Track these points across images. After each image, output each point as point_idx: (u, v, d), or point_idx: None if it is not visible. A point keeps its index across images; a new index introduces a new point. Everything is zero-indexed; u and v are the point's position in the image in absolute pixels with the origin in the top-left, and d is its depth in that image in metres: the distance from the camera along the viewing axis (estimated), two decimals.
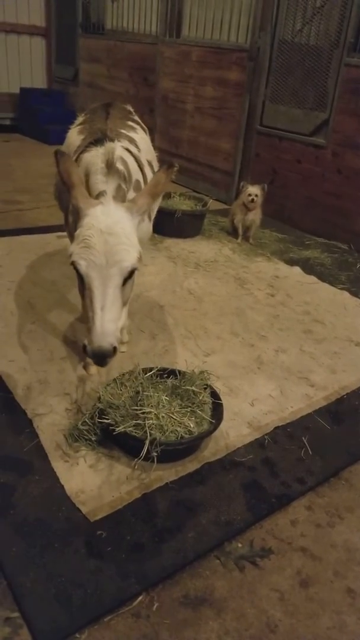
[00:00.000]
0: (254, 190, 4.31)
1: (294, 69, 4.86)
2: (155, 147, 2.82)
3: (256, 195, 4.31)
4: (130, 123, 2.60)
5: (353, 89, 4.42)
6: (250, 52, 5.11)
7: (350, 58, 4.39)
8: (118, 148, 2.07)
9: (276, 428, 2.34)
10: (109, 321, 1.70)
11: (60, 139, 2.61)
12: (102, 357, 1.71)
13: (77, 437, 2.13)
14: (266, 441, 2.26)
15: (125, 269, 1.73)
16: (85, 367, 2.60)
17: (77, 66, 7.83)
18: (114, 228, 1.72)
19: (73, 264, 1.73)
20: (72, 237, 1.91)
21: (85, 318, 1.79)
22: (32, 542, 1.71)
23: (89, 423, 2.16)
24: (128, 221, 1.77)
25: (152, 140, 2.77)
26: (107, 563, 1.67)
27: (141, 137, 2.57)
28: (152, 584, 1.63)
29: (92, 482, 1.95)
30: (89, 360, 2.57)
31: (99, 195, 1.85)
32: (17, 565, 1.63)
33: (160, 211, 3.24)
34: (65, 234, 2.77)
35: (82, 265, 1.71)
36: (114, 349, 1.70)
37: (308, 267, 4.17)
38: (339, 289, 3.84)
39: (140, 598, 1.59)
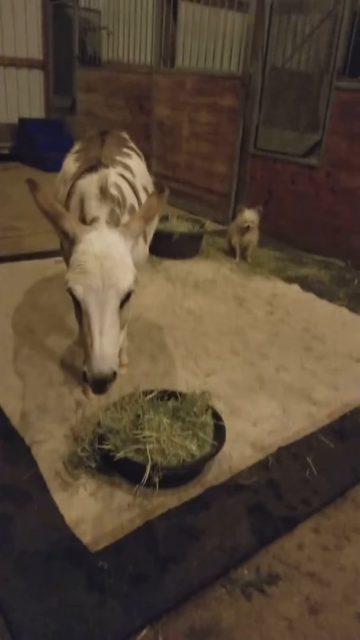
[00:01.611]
0: (249, 216, 4.32)
1: (285, 93, 4.94)
2: (152, 172, 2.85)
3: (252, 222, 4.33)
4: (125, 150, 2.63)
5: (343, 111, 4.49)
6: (243, 79, 5.21)
7: (339, 82, 4.47)
8: (112, 174, 2.09)
9: (280, 448, 2.29)
10: (108, 345, 1.68)
11: (58, 166, 2.64)
12: (102, 383, 1.67)
13: (77, 464, 2.08)
14: (270, 462, 2.21)
15: (122, 291, 1.72)
16: (84, 392, 2.57)
17: (75, 96, 7.99)
18: (108, 251, 1.72)
19: (69, 290, 1.72)
20: (68, 263, 1.91)
21: (83, 344, 1.76)
22: (30, 575, 1.65)
23: (89, 449, 2.12)
24: (122, 244, 1.77)
25: (149, 166, 2.80)
26: (109, 596, 1.61)
27: (136, 163, 2.60)
28: (156, 617, 1.57)
29: (92, 510, 1.91)
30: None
31: (93, 220, 1.85)
32: (15, 600, 1.57)
33: (158, 233, 3.26)
34: (62, 259, 2.77)
35: (79, 291, 1.69)
36: (114, 374, 1.67)
37: (306, 285, 4.17)
38: (337, 305, 3.83)
39: (144, 632, 1.53)
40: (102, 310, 1.69)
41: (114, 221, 1.88)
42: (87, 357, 1.69)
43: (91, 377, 1.66)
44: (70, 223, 1.78)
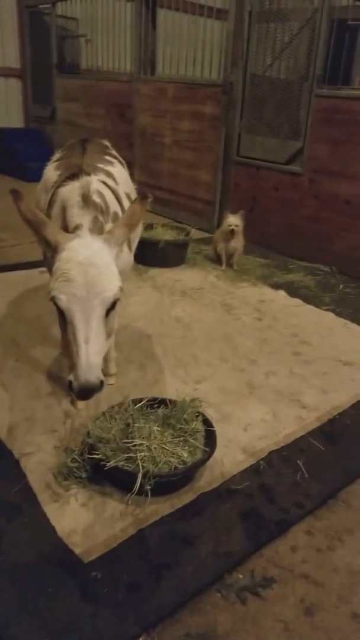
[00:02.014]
0: (234, 220, 4.37)
1: (266, 101, 5.01)
2: (135, 181, 2.86)
3: (236, 225, 4.37)
4: (107, 157, 2.63)
5: (324, 118, 4.55)
6: (224, 86, 5.26)
7: (320, 89, 4.54)
8: (94, 181, 2.09)
9: (271, 452, 2.30)
10: (94, 354, 1.66)
11: (38, 175, 2.63)
12: (89, 392, 1.65)
13: (67, 475, 2.07)
14: (261, 466, 2.22)
15: (107, 299, 1.70)
16: (72, 402, 2.55)
17: (54, 105, 7.98)
18: (93, 259, 1.70)
19: (53, 300, 1.70)
20: (51, 272, 1.90)
21: (68, 353, 1.75)
22: (23, 588, 1.63)
23: (79, 460, 2.11)
24: (106, 252, 1.76)
25: (132, 174, 2.81)
26: (103, 606, 1.60)
27: (118, 170, 2.60)
28: (151, 625, 1.56)
29: (84, 521, 1.89)
30: None
31: (76, 228, 1.84)
32: (8, 613, 1.55)
33: (144, 241, 3.26)
34: (46, 269, 2.76)
35: (63, 300, 1.67)
36: (101, 383, 1.66)
37: (292, 291, 4.20)
38: (323, 310, 3.87)
39: None
40: (88, 319, 1.67)
41: (97, 229, 1.87)
42: (73, 366, 1.68)
43: (77, 386, 1.64)
44: (53, 231, 1.77)
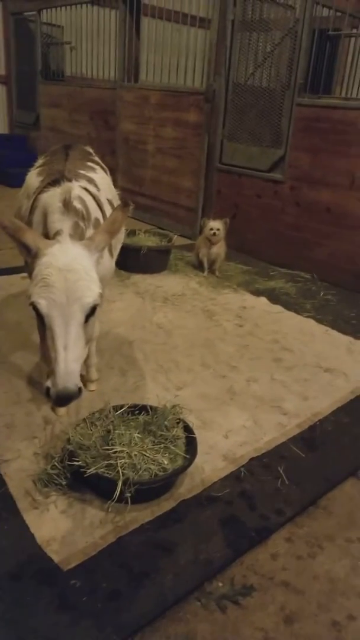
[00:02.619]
0: (215, 224, 4.40)
1: (249, 109, 5.06)
2: (118, 187, 2.86)
3: (218, 229, 4.40)
4: (89, 164, 2.62)
5: (306, 126, 4.61)
6: (207, 94, 5.30)
7: (301, 98, 4.61)
8: (76, 188, 2.08)
9: (252, 459, 2.30)
10: (73, 361, 1.65)
11: (22, 181, 2.61)
12: (67, 399, 1.63)
13: (47, 482, 2.05)
14: (242, 473, 2.22)
15: (87, 305, 1.69)
16: (53, 409, 2.52)
17: (38, 111, 7.96)
18: (73, 265, 1.69)
19: (32, 305, 1.68)
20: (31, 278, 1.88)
21: (46, 359, 1.73)
22: (1, 597, 1.61)
23: (59, 467, 2.09)
24: (86, 258, 1.75)
25: (115, 181, 2.81)
26: (82, 614, 1.58)
27: (101, 176, 2.59)
28: (131, 634, 1.55)
29: (64, 528, 1.87)
30: None
31: (56, 234, 1.83)
32: None
33: (126, 247, 3.26)
34: (27, 275, 2.74)
35: (43, 305, 1.66)
36: (80, 390, 1.65)
37: (274, 297, 4.23)
38: (304, 317, 3.90)
39: None
40: (67, 325, 1.66)
41: (77, 235, 1.86)
42: (51, 372, 1.65)
43: (55, 393, 1.61)
44: (33, 237, 1.76)
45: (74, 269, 1.68)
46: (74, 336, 1.66)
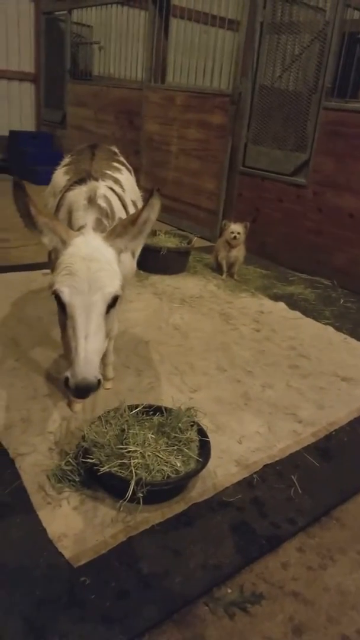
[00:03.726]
0: (236, 228, 4.39)
1: (274, 112, 5.03)
2: (140, 187, 2.86)
3: (238, 233, 4.38)
4: (115, 164, 2.64)
5: (331, 131, 4.58)
6: (232, 96, 5.29)
7: (328, 102, 4.57)
8: (101, 187, 2.09)
9: (265, 466, 2.29)
10: (93, 351, 1.64)
11: (47, 179, 2.65)
12: (85, 390, 1.63)
13: (61, 478, 2.06)
14: (255, 480, 2.20)
15: (108, 295, 1.69)
16: (69, 405, 2.54)
17: (65, 110, 8.04)
18: (95, 255, 1.71)
19: (55, 293, 1.69)
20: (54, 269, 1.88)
21: (67, 349, 1.73)
22: (11, 590, 1.62)
23: (73, 463, 2.10)
24: (109, 249, 1.76)
25: (138, 181, 2.82)
26: (90, 612, 1.58)
27: (126, 177, 2.61)
28: (138, 634, 1.55)
29: (75, 525, 1.88)
30: (73, 397, 2.53)
31: (80, 228, 1.84)
32: None
33: (146, 248, 3.26)
34: (50, 271, 2.76)
35: (65, 293, 1.66)
36: (99, 382, 1.64)
37: (292, 303, 4.20)
38: (323, 324, 3.86)
39: None
40: (88, 314, 1.66)
41: (100, 230, 1.87)
42: (71, 362, 1.66)
43: (74, 383, 1.61)
44: (63, 227, 1.77)
45: (96, 258, 1.70)
46: (94, 326, 1.66)
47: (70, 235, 1.76)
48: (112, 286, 1.70)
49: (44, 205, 2.46)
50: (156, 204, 1.77)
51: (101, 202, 1.98)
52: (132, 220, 1.78)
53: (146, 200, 1.77)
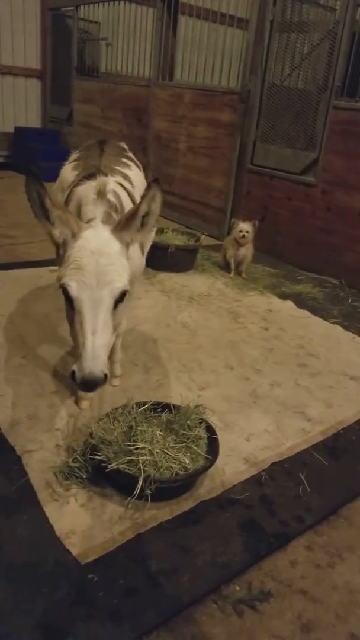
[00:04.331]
0: (245, 226, 4.38)
1: (283, 111, 5.01)
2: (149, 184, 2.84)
3: (247, 232, 4.37)
4: (124, 160, 2.63)
5: (341, 130, 4.55)
6: (241, 94, 5.27)
7: (337, 101, 4.54)
8: (111, 182, 2.09)
9: (273, 464, 2.28)
10: (101, 346, 1.63)
11: (54, 175, 2.63)
12: (92, 384, 1.61)
13: (68, 475, 2.06)
14: (263, 478, 2.20)
15: (117, 290, 1.68)
16: (76, 402, 2.54)
17: (72, 107, 8.03)
18: (104, 248, 1.69)
19: (62, 287, 1.68)
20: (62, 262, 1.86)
21: (74, 343, 1.72)
22: (19, 587, 1.62)
23: (81, 460, 2.10)
24: (117, 242, 1.75)
25: (146, 178, 2.80)
26: (98, 609, 1.58)
27: (135, 173, 2.60)
28: (146, 631, 1.54)
29: (83, 522, 1.88)
30: (81, 394, 2.53)
31: (89, 222, 1.84)
32: (3, 612, 1.54)
33: (154, 246, 3.26)
34: (56, 268, 2.75)
35: (73, 287, 1.65)
36: (105, 376, 1.63)
37: (300, 302, 4.19)
38: (331, 323, 3.85)
39: None
40: (96, 308, 1.65)
41: (109, 224, 1.87)
42: (78, 356, 1.65)
43: (81, 377, 1.60)
44: (74, 219, 1.76)
45: (105, 252, 1.69)
46: (102, 321, 1.65)
47: (81, 228, 1.75)
48: (121, 281, 1.69)
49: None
50: (156, 194, 1.75)
51: (110, 197, 1.98)
52: (133, 213, 1.76)
53: (145, 191, 1.74)
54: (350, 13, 4.33)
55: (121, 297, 1.72)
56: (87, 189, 1.99)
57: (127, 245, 1.80)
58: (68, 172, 2.45)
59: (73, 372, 1.63)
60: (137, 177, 2.57)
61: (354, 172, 4.50)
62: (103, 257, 1.68)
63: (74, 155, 2.68)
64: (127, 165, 2.58)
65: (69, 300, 1.69)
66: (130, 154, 2.88)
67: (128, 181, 2.37)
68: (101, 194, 1.90)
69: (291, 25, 4.84)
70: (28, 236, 5.05)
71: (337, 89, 4.53)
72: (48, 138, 8.30)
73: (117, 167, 2.41)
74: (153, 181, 1.74)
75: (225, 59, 5.71)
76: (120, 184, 2.22)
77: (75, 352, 1.70)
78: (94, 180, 2.01)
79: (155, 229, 3.10)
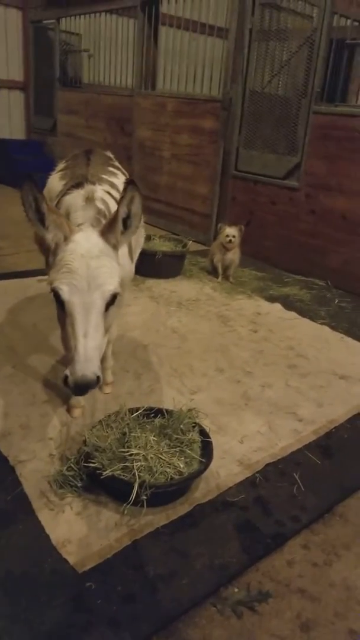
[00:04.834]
0: (231, 231, 4.41)
1: (265, 117, 5.08)
2: None
3: (234, 236, 4.40)
4: (110, 169, 2.65)
5: (322, 134, 4.62)
6: (223, 102, 5.33)
7: (317, 106, 4.61)
8: (98, 190, 2.10)
9: (267, 465, 2.29)
10: (92, 349, 1.64)
11: (40, 186, 2.63)
12: (85, 387, 1.61)
13: (62, 484, 2.05)
14: (257, 479, 2.20)
15: (108, 293, 1.69)
16: (68, 410, 2.53)
17: (56, 117, 8.05)
18: (95, 252, 1.71)
19: (54, 290, 1.68)
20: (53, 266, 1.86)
21: (66, 347, 1.72)
22: (16, 597, 1.61)
23: (75, 468, 2.09)
24: (107, 245, 1.77)
25: None
26: (97, 617, 1.57)
27: (121, 181, 2.60)
28: (146, 637, 1.54)
29: (79, 530, 1.87)
30: (73, 402, 2.53)
31: (79, 227, 1.84)
32: (1, 623, 1.52)
33: (141, 252, 3.26)
34: (46, 277, 2.75)
35: (64, 291, 1.66)
36: (98, 379, 1.63)
37: (288, 304, 4.22)
38: (319, 324, 3.88)
39: None
40: (87, 312, 1.66)
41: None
42: (70, 360, 1.65)
43: (73, 380, 1.60)
44: (67, 223, 1.77)
45: (96, 255, 1.70)
46: (94, 324, 1.66)
47: (72, 232, 1.76)
48: (112, 284, 1.70)
49: None
50: (133, 196, 1.75)
51: (98, 204, 1.99)
52: (113, 216, 1.77)
53: (122, 193, 1.74)
54: (327, 20, 4.41)
55: (112, 300, 1.73)
56: (76, 197, 2.00)
57: (114, 247, 1.81)
58: (55, 181, 2.45)
59: (66, 377, 1.63)
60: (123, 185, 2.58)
61: (336, 175, 4.57)
62: (94, 260, 1.69)
63: (61, 165, 2.69)
64: (114, 174, 2.59)
65: (60, 304, 1.69)
66: (117, 163, 2.90)
67: (115, 189, 2.38)
68: (89, 200, 1.92)
69: (270, 34, 4.92)
70: (14, 247, 5.04)
71: (317, 95, 4.60)
72: (32, 149, 8.31)
73: (104, 176, 2.42)
74: (129, 183, 1.73)
75: (206, 68, 5.78)
76: (108, 192, 2.23)
77: (67, 355, 1.70)
78: (82, 189, 2.02)
79: (144, 235, 3.12)
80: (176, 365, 3.07)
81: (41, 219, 1.72)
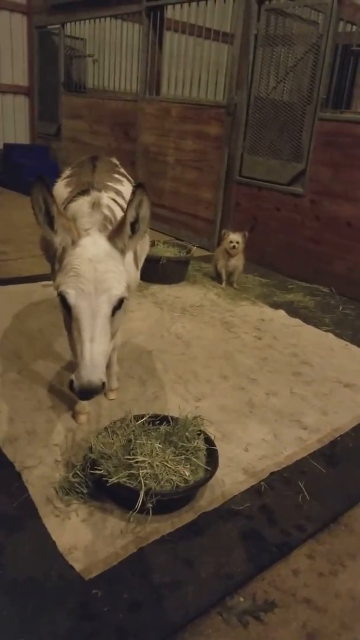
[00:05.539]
0: (235, 237, 4.42)
1: (270, 123, 5.09)
2: None
3: (237, 242, 4.41)
4: (116, 176, 2.66)
5: (327, 141, 4.63)
6: (228, 108, 5.35)
7: (323, 113, 4.63)
8: (104, 197, 2.11)
9: (272, 473, 2.29)
10: (99, 354, 1.64)
11: (49, 187, 2.64)
12: (90, 393, 1.62)
13: (68, 490, 2.05)
14: (262, 487, 2.20)
15: (115, 297, 1.69)
16: (74, 416, 2.54)
17: (60, 122, 8.09)
18: (102, 256, 1.71)
19: (60, 295, 1.68)
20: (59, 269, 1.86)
21: (72, 352, 1.73)
22: (22, 604, 1.61)
23: (81, 475, 2.10)
24: (114, 250, 1.77)
25: None
26: (103, 624, 1.57)
27: (127, 189, 2.62)
28: None
29: (85, 537, 1.87)
30: (78, 408, 2.53)
31: (86, 232, 1.85)
32: (6, 630, 1.53)
33: (146, 258, 3.27)
34: (51, 283, 2.76)
35: (71, 295, 1.66)
36: (103, 384, 1.63)
37: (292, 310, 4.22)
38: (323, 331, 3.88)
39: None
40: (94, 316, 1.65)
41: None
42: (76, 365, 1.65)
43: (79, 386, 1.60)
44: (76, 227, 1.77)
45: (103, 260, 1.70)
46: (100, 328, 1.65)
47: (80, 236, 1.77)
48: (119, 288, 1.70)
49: None
50: (142, 200, 1.75)
51: (105, 210, 2.00)
52: (122, 220, 1.77)
53: (131, 197, 1.74)
54: (333, 26, 4.43)
55: (119, 305, 1.72)
56: (82, 204, 2.01)
57: (122, 252, 1.82)
58: (61, 188, 2.47)
59: (71, 382, 1.63)
60: (129, 192, 2.59)
61: (341, 182, 4.58)
62: (101, 264, 1.69)
63: (67, 172, 2.71)
64: (119, 181, 2.60)
65: (67, 308, 1.69)
66: (122, 170, 2.91)
67: (121, 197, 2.39)
68: (96, 206, 1.93)
69: (275, 39, 4.94)
70: (19, 251, 5.06)
71: (322, 101, 4.62)
72: (36, 154, 8.35)
73: (110, 184, 2.43)
74: (137, 187, 1.73)
75: (211, 73, 5.80)
76: (114, 200, 2.24)
77: (74, 360, 1.70)
78: (88, 196, 2.03)
79: (149, 242, 3.13)
80: (181, 371, 3.07)
81: (50, 222, 1.73)
